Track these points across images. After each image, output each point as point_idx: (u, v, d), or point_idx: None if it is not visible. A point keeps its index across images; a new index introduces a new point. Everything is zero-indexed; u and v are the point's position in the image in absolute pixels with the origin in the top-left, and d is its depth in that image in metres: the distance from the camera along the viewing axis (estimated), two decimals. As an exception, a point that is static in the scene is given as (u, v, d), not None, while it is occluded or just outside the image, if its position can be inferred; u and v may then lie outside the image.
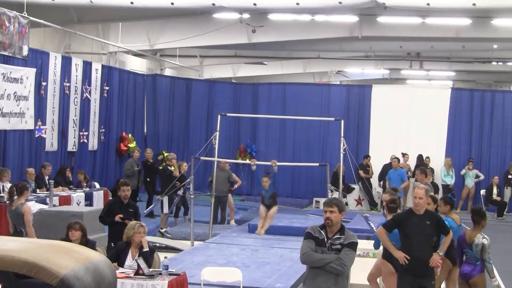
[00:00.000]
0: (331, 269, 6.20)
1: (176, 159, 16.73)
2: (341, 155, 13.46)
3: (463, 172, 20.42)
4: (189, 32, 19.11)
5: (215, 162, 14.91)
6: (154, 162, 18.45)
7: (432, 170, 19.49)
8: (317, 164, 14.78)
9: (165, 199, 14.73)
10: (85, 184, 15.94)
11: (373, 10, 16.30)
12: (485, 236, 8.30)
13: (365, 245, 10.83)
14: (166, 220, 15.24)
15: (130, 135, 20.50)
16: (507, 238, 15.81)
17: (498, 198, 19.61)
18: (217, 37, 18.97)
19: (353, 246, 6.28)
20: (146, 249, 8.19)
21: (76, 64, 17.31)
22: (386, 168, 18.92)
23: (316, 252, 6.26)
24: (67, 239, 7.93)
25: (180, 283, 7.75)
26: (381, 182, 19.45)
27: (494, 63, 25.62)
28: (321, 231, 6.33)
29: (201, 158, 13.78)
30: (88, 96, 18.04)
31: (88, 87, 17.96)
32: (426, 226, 7.52)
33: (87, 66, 17.96)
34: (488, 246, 8.23)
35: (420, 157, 20.24)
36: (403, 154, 19.66)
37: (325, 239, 6.29)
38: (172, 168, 16.55)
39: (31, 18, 14.87)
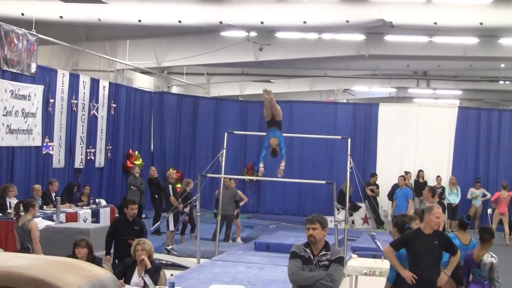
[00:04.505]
0: (322, 286, 6.14)
1: (173, 175, 16.67)
2: (348, 173, 13.40)
3: (469, 196, 20.22)
4: (196, 50, 19.19)
5: (222, 179, 14.89)
6: (158, 179, 18.34)
7: (443, 189, 19.49)
8: (324, 182, 14.66)
9: (171, 217, 14.71)
10: (87, 202, 15.85)
11: (380, 28, 16.35)
12: (493, 255, 8.24)
13: (371, 263, 10.78)
14: (172, 237, 15.21)
15: (136, 152, 20.50)
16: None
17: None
18: (224, 55, 19.05)
19: (341, 261, 6.25)
20: (148, 266, 8.11)
21: (83, 82, 17.37)
22: (395, 188, 18.84)
23: (304, 270, 6.21)
24: (73, 256, 7.89)
25: (186, 301, 7.72)
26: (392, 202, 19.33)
27: (501, 82, 25.60)
28: (306, 249, 6.30)
29: (208, 175, 13.75)
30: (96, 113, 18.08)
31: (95, 104, 18.01)
32: (434, 246, 7.47)
33: (94, 83, 18.02)
34: (497, 265, 8.17)
35: (418, 174, 20.25)
36: (406, 173, 19.59)
37: (311, 257, 6.25)
38: (178, 185, 16.54)
39: (40, 35, 14.97)
